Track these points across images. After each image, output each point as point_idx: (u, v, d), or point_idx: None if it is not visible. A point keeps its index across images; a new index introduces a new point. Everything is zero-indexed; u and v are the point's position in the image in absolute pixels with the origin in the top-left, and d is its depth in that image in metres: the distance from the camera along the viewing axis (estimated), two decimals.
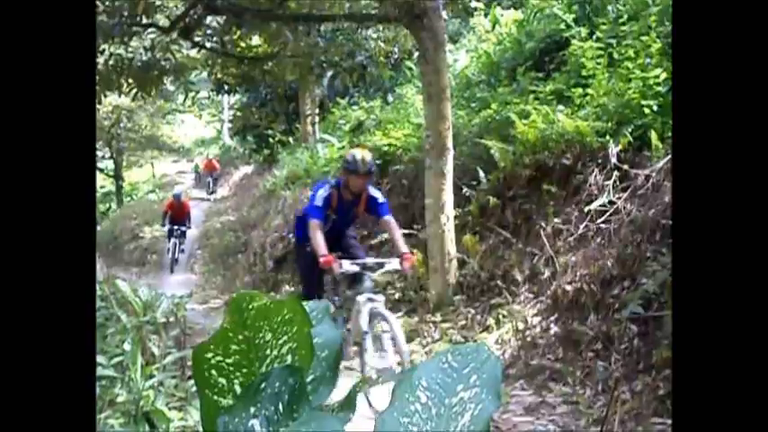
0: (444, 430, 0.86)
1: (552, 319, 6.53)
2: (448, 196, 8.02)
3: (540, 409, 5.45)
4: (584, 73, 8.09)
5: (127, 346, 4.38)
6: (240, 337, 0.95)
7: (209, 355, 0.94)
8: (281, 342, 0.95)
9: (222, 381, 0.93)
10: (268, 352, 0.95)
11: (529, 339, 6.49)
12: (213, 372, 0.94)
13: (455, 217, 8.20)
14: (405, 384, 0.95)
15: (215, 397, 0.92)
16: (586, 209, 6.91)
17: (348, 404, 0.99)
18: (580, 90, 7.95)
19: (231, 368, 0.94)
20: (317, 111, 18.59)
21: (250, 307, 0.94)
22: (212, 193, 27.85)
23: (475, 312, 7.42)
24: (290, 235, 10.52)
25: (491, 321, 7.06)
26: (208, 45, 11.85)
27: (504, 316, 7.00)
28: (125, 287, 6.16)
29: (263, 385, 0.82)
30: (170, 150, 35.35)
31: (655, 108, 6.88)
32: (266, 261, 13.17)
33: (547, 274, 6.99)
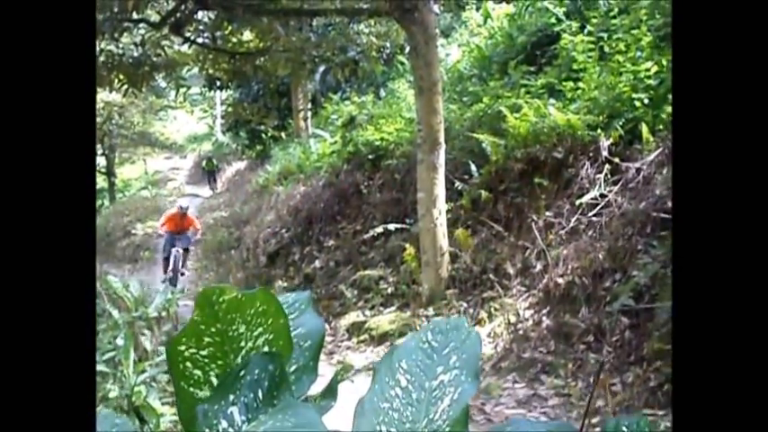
0: (424, 416, 0.87)
1: (544, 312, 6.55)
2: (440, 190, 8.02)
3: (532, 402, 5.47)
4: (575, 67, 8.10)
5: (119, 342, 4.37)
6: (213, 329, 0.95)
7: (183, 348, 0.94)
8: (255, 334, 0.95)
9: (197, 372, 0.93)
10: (243, 344, 0.95)
11: (521, 332, 6.51)
12: (188, 364, 0.94)
13: (447, 211, 8.21)
14: (385, 366, 0.95)
15: (191, 389, 0.92)
16: (578, 202, 6.93)
17: (330, 392, 0.99)
18: (571, 84, 7.97)
19: (206, 360, 0.94)
20: (309, 106, 18.56)
21: (221, 300, 0.95)
22: (179, 275, 13.30)
23: (467, 306, 7.43)
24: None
25: (483, 315, 7.07)
26: (199, 40, 11.81)
27: (496, 309, 7.01)
28: (117, 283, 6.16)
29: (241, 373, 0.82)
30: (162, 147, 35.17)
31: (645, 101, 6.90)
32: (259, 257, 13.14)
33: (539, 267, 7.01)
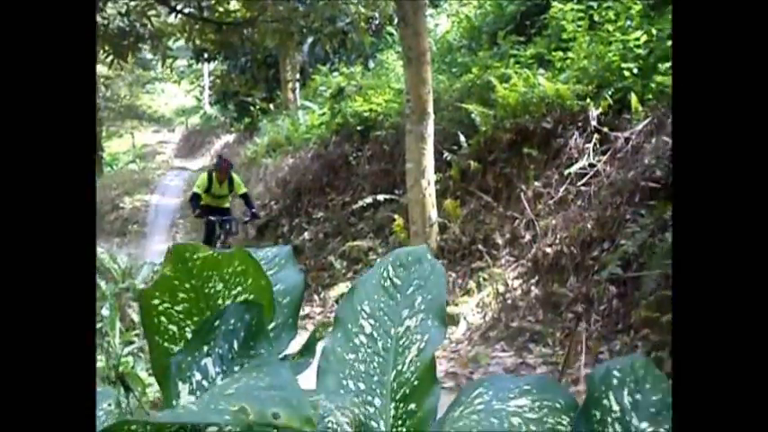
0: (392, 368, 0.85)
1: (533, 281, 6.57)
2: (429, 161, 7.98)
3: (520, 370, 5.50)
4: (564, 36, 8.05)
5: (105, 312, 4.35)
6: (187, 285, 0.92)
7: (156, 301, 0.91)
8: (234, 293, 0.93)
9: (173, 328, 0.91)
10: (220, 302, 0.93)
11: (509, 302, 6.53)
12: (162, 318, 0.91)
13: (436, 182, 8.19)
14: (347, 311, 0.93)
15: (165, 344, 0.90)
16: (566, 172, 6.92)
17: (308, 350, 0.98)
18: (561, 53, 7.93)
19: (181, 316, 0.92)
20: (297, 77, 18.40)
21: (195, 257, 0.92)
22: None
23: (456, 276, 7.44)
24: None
25: (472, 285, 7.08)
26: (185, 10, 11.66)
27: (484, 279, 7.02)
28: (104, 255, 6.13)
29: (216, 323, 0.80)
30: (150, 120, 34.90)
31: (635, 71, 6.87)
32: (248, 229, 13.11)
33: (527, 237, 7.02)
